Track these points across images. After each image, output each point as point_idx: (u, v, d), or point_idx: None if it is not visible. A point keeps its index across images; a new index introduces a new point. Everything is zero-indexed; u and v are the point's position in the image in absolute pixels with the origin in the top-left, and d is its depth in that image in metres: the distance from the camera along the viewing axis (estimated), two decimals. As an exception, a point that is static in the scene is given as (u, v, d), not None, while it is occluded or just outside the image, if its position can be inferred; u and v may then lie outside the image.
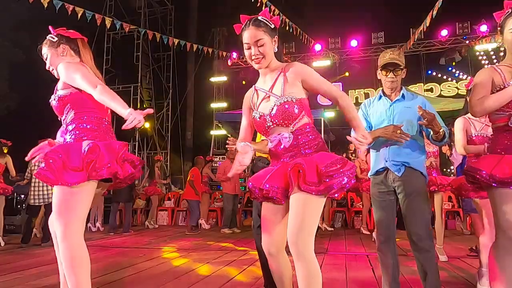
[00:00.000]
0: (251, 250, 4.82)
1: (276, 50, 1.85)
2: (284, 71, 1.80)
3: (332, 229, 7.66)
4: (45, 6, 6.21)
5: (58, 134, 2.04)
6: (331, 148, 10.25)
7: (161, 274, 3.57)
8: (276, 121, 1.78)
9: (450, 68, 11.32)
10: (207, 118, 13.81)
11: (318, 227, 6.77)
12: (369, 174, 2.50)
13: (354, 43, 11.55)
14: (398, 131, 2.21)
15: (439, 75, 11.56)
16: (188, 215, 8.25)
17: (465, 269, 3.71)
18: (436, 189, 4.21)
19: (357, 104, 11.30)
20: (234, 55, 12.31)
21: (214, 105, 13.58)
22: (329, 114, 11.13)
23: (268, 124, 1.80)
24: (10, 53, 13.15)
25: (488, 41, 10.28)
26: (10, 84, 14.09)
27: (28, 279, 3.40)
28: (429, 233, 2.23)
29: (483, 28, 10.08)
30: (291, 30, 9.27)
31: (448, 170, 8.96)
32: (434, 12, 7.85)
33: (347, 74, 11.80)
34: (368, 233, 6.49)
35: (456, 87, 10.93)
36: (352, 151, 10.61)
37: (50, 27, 2.11)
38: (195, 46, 9.60)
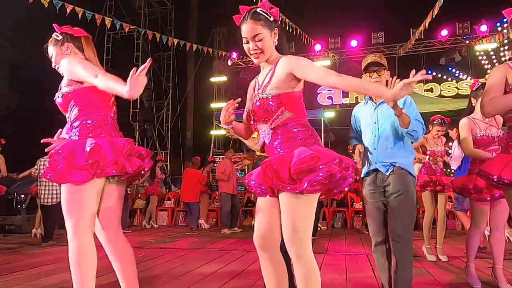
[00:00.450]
0: (251, 250, 4.81)
1: (276, 43, 1.79)
2: (276, 65, 1.76)
3: (326, 228, 7.67)
4: (45, 6, 6.21)
5: (64, 131, 2.04)
6: (331, 148, 10.23)
7: (161, 274, 3.57)
8: (256, 117, 1.77)
9: (450, 68, 11.32)
10: (207, 118, 13.81)
11: (319, 227, 6.78)
12: (361, 176, 2.53)
13: (354, 43, 11.54)
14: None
15: (439, 75, 11.55)
16: (186, 216, 8.25)
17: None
18: (442, 189, 4.18)
19: (358, 104, 11.30)
20: (234, 55, 12.30)
21: (214, 105, 13.58)
22: (329, 114, 11.14)
23: (252, 121, 1.81)
24: (10, 53, 13.15)
25: (488, 41, 10.27)
26: (10, 84, 14.09)
27: (28, 279, 3.40)
28: (408, 230, 2.25)
29: (483, 28, 10.08)
30: (291, 30, 9.26)
31: (449, 170, 8.95)
32: (435, 12, 7.84)
33: None
34: (368, 233, 6.49)
35: (456, 87, 10.92)
36: (352, 151, 10.63)
37: (55, 25, 2.11)
38: (195, 46, 9.60)
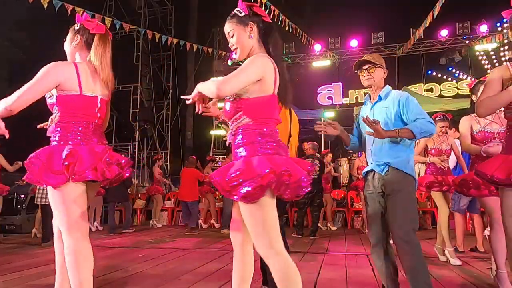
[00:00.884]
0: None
1: (255, 36, 1.76)
2: None
3: (335, 228, 7.66)
4: (45, 6, 6.21)
5: (49, 129, 2.07)
6: (331, 148, 10.24)
7: (161, 274, 3.57)
8: (225, 118, 1.81)
9: (450, 68, 11.32)
10: (207, 118, 13.70)
11: (318, 227, 6.77)
12: (362, 176, 2.55)
13: (354, 43, 11.53)
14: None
15: (439, 75, 11.55)
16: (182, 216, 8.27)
17: (466, 268, 3.71)
18: (448, 189, 4.02)
19: (358, 104, 11.31)
20: (234, 55, 12.28)
21: (214, 105, 13.54)
22: (329, 114, 11.14)
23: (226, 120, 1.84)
24: (10, 53, 13.15)
25: (489, 41, 10.27)
26: (10, 84, 14.08)
27: (28, 279, 3.40)
28: (409, 233, 2.18)
29: (483, 28, 10.07)
30: (291, 30, 9.26)
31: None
32: (435, 12, 7.84)
33: None
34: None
35: (456, 87, 10.92)
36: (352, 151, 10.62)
37: (77, 15, 2.14)
38: (195, 46, 9.59)
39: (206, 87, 1.67)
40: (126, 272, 3.72)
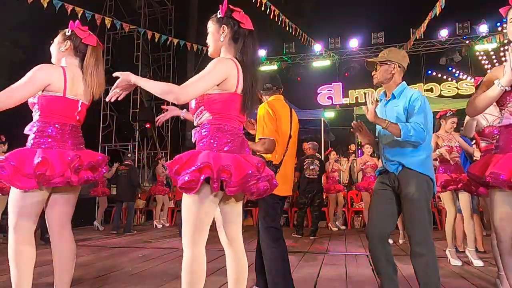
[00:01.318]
0: (251, 250, 4.81)
1: (225, 39, 1.83)
2: None
3: (344, 227, 7.62)
4: (45, 6, 6.21)
5: (28, 127, 2.10)
6: (332, 148, 10.23)
7: (161, 274, 3.57)
8: (191, 114, 1.86)
9: (450, 68, 11.32)
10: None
11: (331, 227, 6.74)
12: (376, 173, 2.53)
13: (354, 43, 11.54)
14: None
15: (439, 75, 11.55)
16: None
17: (466, 268, 3.71)
18: (463, 186, 3.77)
19: (358, 104, 11.31)
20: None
21: (214, 105, 13.54)
22: (329, 114, 11.13)
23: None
24: (10, 53, 13.14)
25: (489, 41, 10.27)
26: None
27: (28, 279, 3.39)
28: (425, 238, 2.14)
29: (483, 28, 10.08)
30: (291, 30, 9.25)
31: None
32: (437, 11, 7.82)
33: None
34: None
35: (456, 87, 10.93)
36: (352, 151, 10.62)
37: (70, 22, 2.19)
38: (195, 46, 9.59)
39: (159, 88, 1.64)
40: (126, 272, 3.72)
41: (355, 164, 8.25)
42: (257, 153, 2.63)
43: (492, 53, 10.61)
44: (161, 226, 8.41)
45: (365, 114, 2.25)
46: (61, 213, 2.14)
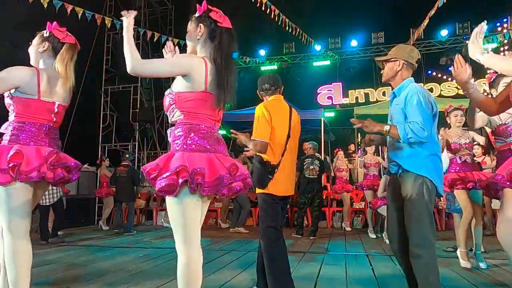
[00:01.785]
0: (251, 250, 4.82)
1: (202, 38, 1.86)
2: None
3: (350, 229, 7.42)
4: (45, 6, 6.21)
5: (4, 126, 2.11)
6: (331, 148, 10.24)
7: (161, 274, 3.57)
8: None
9: (450, 68, 11.30)
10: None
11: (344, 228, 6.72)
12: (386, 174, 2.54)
13: (354, 43, 11.54)
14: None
15: (439, 75, 11.55)
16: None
17: (470, 271, 3.71)
18: (474, 186, 3.63)
19: (358, 104, 11.31)
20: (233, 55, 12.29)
21: (214, 105, 13.55)
22: (329, 114, 11.13)
23: None
24: (10, 53, 13.15)
25: (490, 41, 10.26)
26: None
27: (28, 279, 3.39)
28: (424, 239, 2.11)
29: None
30: (291, 30, 9.25)
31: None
32: (433, 10, 7.83)
33: None
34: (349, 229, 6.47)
35: (456, 87, 10.91)
36: (352, 151, 10.61)
37: (48, 23, 2.18)
38: (195, 46, 9.58)
39: (127, 49, 1.66)
40: (126, 272, 3.72)
41: (358, 163, 8.23)
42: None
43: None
44: (167, 225, 8.34)
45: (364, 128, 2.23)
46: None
